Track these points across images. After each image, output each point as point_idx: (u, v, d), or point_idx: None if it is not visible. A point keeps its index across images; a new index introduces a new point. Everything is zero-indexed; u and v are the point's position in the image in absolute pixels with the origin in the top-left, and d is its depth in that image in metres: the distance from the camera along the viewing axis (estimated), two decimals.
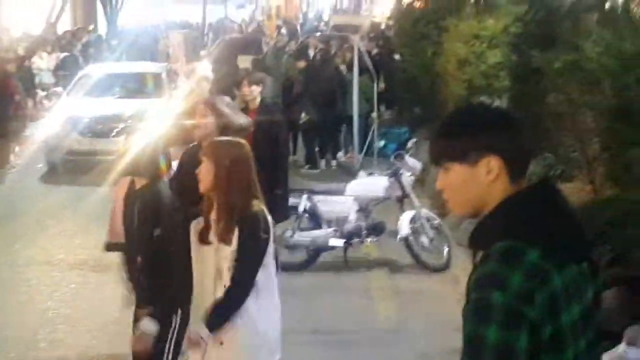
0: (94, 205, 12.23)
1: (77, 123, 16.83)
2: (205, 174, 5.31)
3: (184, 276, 5.57)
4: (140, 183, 6.03)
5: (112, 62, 23.84)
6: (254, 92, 9.73)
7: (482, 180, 2.69)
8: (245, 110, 10.08)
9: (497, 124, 2.71)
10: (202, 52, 32.40)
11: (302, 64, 18.62)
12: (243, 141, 5.59)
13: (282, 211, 9.25)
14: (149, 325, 5.69)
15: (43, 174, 16.88)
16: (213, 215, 5.32)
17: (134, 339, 5.83)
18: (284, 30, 38.85)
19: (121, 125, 15.97)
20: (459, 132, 2.74)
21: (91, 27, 37.01)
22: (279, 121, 9.62)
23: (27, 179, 16.59)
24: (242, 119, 7.26)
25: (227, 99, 7.70)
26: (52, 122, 17.36)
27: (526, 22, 10.50)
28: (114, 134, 16.02)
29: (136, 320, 5.89)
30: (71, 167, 16.40)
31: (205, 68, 10.65)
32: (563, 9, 10.32)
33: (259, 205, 5.31)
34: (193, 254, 5.45)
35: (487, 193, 2.70)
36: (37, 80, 22.49)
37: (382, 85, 19.82)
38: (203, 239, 5.36)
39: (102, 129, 16.54)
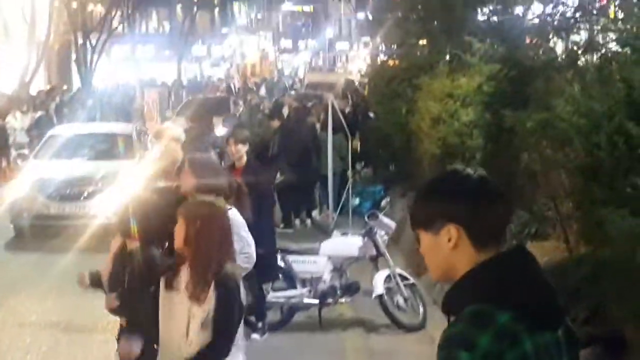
0: (65, 268, 12.10)
1: (45, 186, 16.36)
2: (178, 231, 5.36)
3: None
4: (131, 244, 6.19)
5: (82, 123, 23.46)
6: (241, 151, 9.75)
7: (444, 248, 2.75)
8: (231, 167, 10.09)
9: (459, 193, 2.75)
10: (168, 112, 32.56)
11: (276, 123, 18.58)
12: (218, 202, 5.62)
13: (269, 271, 9.21)
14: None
15: (9, 239, 16.38)
16: (185, 274, 5.33)
17: None
18: (262, 90, 38.95)
19: (91, 189, 16.22)
20: (424, 201, 2.82)
21: (65, 87, 37.02)
22: (265, 180, 9.62)
23: None
24: (222, 180, 7.22)
25: (212, 158, 7.68)
26: (20, 184, 16.85)
27: (499, 80, 10.56)
28: (83, 197, 16.09)
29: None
30: (39, 231, 16.02)
31: (175, 128, 10.53)
32: (535, 68, 10.38)
33: (233, 268, 5.32)
34: (161, 300, 5.46)
35: (453, 260, 2.75)
36: (10, 140, 22.42)
37: (356, 143, 19.85)
38: (170, 284, 5.40)
39: (71, 192, 16.22)
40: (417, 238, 2.86)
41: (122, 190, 13.94)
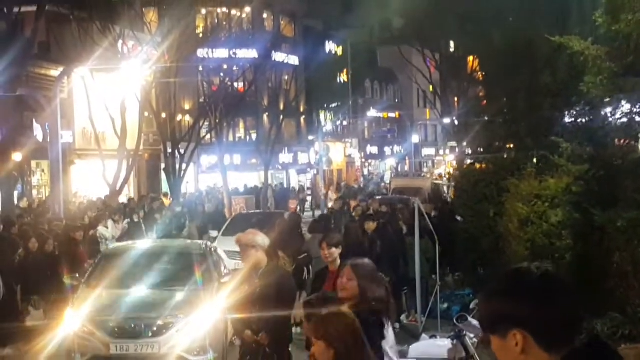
0: None
1: (102, 319, 13.54)
2: (319, 352, 5.17)
3: None
4: None
5: (147, 239, 21.50)
6: (334, 254, 9.77)
7: (513, 353, 2.66)
8: (324, 270, 10.10)
9: (518, 295, 2.67)
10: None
11: (372, 224, 18.53)
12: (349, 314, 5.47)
13: None
14: None
15: None
16: None
17: None
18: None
19: (160, 322, 13.47)
20: (487, 304, 2.77)
21: (153, 195, 37.70)
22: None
23: None
24: (381, 291, 7.21)
25: (370, 265, 7.62)
26: (71, 317, 13.83)
27: (587, 180, 10.46)
28: (151, 332, 13.34)
29: None
30: None
31: (259, 235, 10.55)
32: (624, 167, 10.27)
33: None
34: None
35: None
36: (102, 248, 22.72)
37: (439, 248, 19.73)
38: None
39: (135, 327, 13.41)
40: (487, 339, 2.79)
41: (199, 322, 13.46)
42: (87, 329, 13.37)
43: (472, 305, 12.18)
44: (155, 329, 13.34)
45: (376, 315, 7.09)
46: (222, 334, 13.85)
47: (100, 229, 22.63)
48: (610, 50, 9.66)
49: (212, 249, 16.78)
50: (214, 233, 26.18)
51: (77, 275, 15.45)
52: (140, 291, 14.62)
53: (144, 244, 18.04)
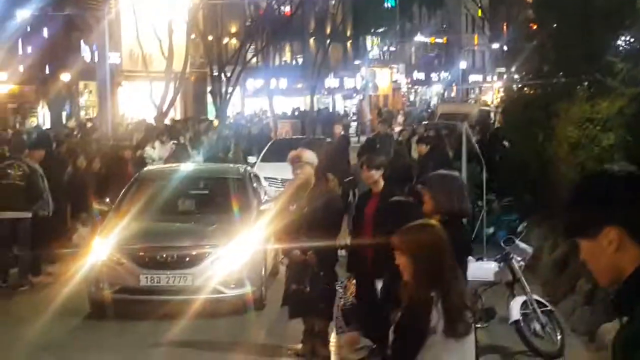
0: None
1: (132, 248, 12.64)
2: (404, 265, 5.12)
3: None
4: None
5: (189, 162, 19.62)
6: (375, 176, 9.71)
7: (606, 252, 2.66)
8: (368, 193, 10.07)
9: (610, 193, 2.67)
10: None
11: (424, 148, 18.49)
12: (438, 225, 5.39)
13: None
14: None
15: (84, 318, 12.70)
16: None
17: None
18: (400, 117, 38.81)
19: (194, 252, 12.54)
20: (576, 208, 2.76)
21: (202, 117, 37.78)
22: (406, 205, 9.47)
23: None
24: (463, 204, 7.10)
25: (447, 176, 7.43)
26: (100, 244, 12.89)
27: None
28: (183, 263, 12.43)
29: None
30: (124, 310, 12.54)
31: (309, 153, 10.60)
32: None
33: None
34: None
35: (617, 262, 2.66)
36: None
37: (485, 174, 19.58)
38: None
39: (167, 258, 12.48)
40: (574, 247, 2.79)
41: (235, 253, 12.55)
42: (116, 258, 12.49)
43: (519, 228, 12.11)
44: (188, 259, 12.42)
45: (461, 230, 6.99)
46: (260, 265, 13.00)
47: (147, 149, 22.71)
48: None
49: (252, 174, 15.64)
50: (252, 159, 25.28)
51: (108, 200, 14.59)
52: (173, 219, 13.90)
53: (180, 168, 16.40)
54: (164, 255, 12.45)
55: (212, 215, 13.76)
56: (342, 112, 58.59)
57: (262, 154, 25.76)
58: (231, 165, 19.07)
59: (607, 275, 2.72)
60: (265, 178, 19.36)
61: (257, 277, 12.82)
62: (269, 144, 27.30)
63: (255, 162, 24.13)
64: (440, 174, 7.41)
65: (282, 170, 16.83)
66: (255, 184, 15.03)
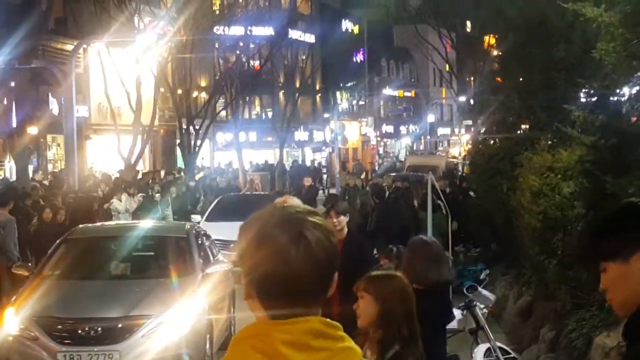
0: None
1: (46, 320, 10.96)
2: (365, 308, 5.19)
3: None
4: None
5: (119, 222, 18.50)
6: (342, 222, 9.75)
7: (636, 276, 2.76)
8: None
9: None
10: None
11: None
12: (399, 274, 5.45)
13: None
14: None
15: None
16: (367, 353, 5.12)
17: None
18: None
19: (120, 325, 10.84)
20: (610, 232, 2.85)
21: (171, 169, 37.81)
22: (367, 252, 9.57)
23: None
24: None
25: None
26: (12, 317, 11.14)
27: (599, 149, 10.44)
28: (107, 339, 10.69)
29: None
30: None
31: (295, 201, 10.56)
32: (636, 134, 10.23)
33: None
34: None
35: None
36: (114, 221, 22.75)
37: (455, 224, 19.72)
38: None
39: (89, 332, 10.71)
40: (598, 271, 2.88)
41: (173, 323, 10.89)
42: (30, 332, 10.68)
43: (482, 276, 12.16)
44: (115, 333, 10.65)
45: (439, 299, 6.95)
46: (203, 339, 11.32)
47: (114, 201, 22.69)
48: (623, 17, 9.61)
49: (200, 232, 14.11)
50: (196, 217, 23.34)
51: (29, 264, 13.21)
52: (103, 285, 12.02)
53: (116, 226, 15.27)
54: (86, 329, 10.62)
55: (149, 279, 12.13)
56: (314, 164, 58.77)
57: (207, 213, 23.66)
58: (175, 223, 17.98)
59: (631, 300, 2.79)
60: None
61: (199, 353, 11.15)
62: (215, 201, 25.20)
63: (200, 222, 21.65)
64: (420, 240, 7.46)
65: (232, 232, 15.65)
66: (202, 243, 13.50)
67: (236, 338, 2.41)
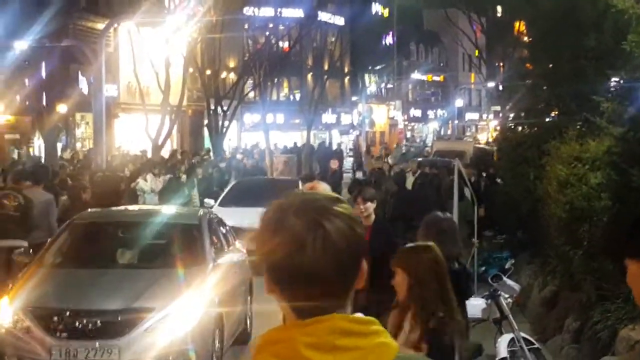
0: None
1: (43, 313, 10.23)
2: (400, 283, 5.29)
3: None
4: None
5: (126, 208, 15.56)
6: (369, 209, 9.78)
7: None
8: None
9: None
10: None
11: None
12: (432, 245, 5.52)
13: None
14: None
15: None
16: (406, 326, 5.22)
17: None
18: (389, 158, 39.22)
19: (122, 318, 10.14)
20: (636, 230, 2.94)
21: (199, 151, 37.93)
22: (394, 240, 9.60)
23: None
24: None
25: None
26: (5, 306, 10.57)
27: (628, 141, 10.40)
28: (107, 333, 9.99)
29: None
30: None
31: (325, 186, 10.52)
32: None
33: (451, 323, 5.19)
34: None
35: None
36: (140, 201, 22.79)
37: (481, 210, 19.68)
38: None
39: (87, 325, 9.93)
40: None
41: (178, 317, 10.16)
42: (24, 324, 10.00)
43: (507, 265, 12.15)
44: (115, 326, 9.95)
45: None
46: (211, 333, 10.64)
47: (140, 181, 22.76)
48: None
49: (215, 220, 13.21)
50: (209, 201, 22.29)
51: (31, 250, 12.07)
52: (106, 274, 11.20)
53: (125, 211, 14.15)
54: (84, 322, 9.91)
55: (155, 269, 11.18)
56: (339, 147, 58.71)
57: (221, 197, 22.40)
58: (189, 209, 16.80)
59: None
60: None
61: (206, 349, 10.45)
62: (230, 185, 24.10)
63: (213, 206, 20.84)
64: (435, 217, 7.54)
65: (244, 218, 15.30)
66: (219, 231, 12.85)
67: (259, 345, 2.37)
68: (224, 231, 13.18)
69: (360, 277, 2.38)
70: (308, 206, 2.36)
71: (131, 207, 14.24)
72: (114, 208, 13.93)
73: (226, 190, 22.92)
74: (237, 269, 12.52)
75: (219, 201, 21.94)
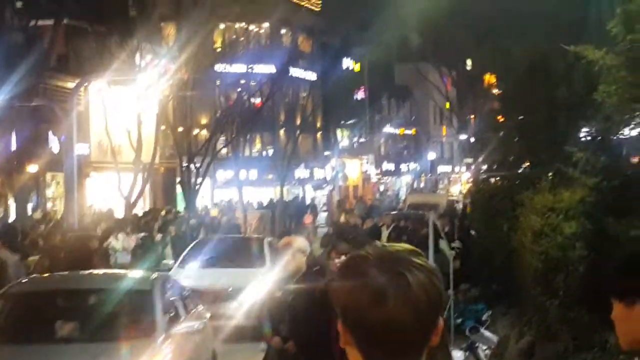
0: None
1: None
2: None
3: None
4: None
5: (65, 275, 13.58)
6: None
7: (636, 321, 2.87)
8: None
9: None
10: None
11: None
12: None
13: None
14: None
15: None
16: None
17: None
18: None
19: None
20: (621, 273, 2.96)
21: (168, 207, 37.80)
22: None
23: None
24: None
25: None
26: None
27: (601, 190, 10.42)
28: None
29: None
30: None
31: (302, 241, 10.42)
32: (636, 177, 10.22)
33: None
34: None
35: None
36: (112, 260, 22.54)
37: (457, 263, 19.62)
38: None
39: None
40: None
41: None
42: None
43: (484, 317, 12.10)
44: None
45: None
46: None
47: (111, 240, 22.60)
48: (625, 60, 9.61)
49: (167, 284, 12.19)
50: (168, 262, 21.25)
51: None
52: (40, 350, 9.98)
53: (66, 278, 12.47)
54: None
55: (97, 343, 9.98)
56: (313, 202, 58.69)
57: (181, 257, 20.92)
58: (141, 273, 14.92)
59: (633, 342, 2.90)
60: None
61: None
62: (192, 244, 22.30)
63: (173, 266, 20.00)
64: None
65: (206, 278, 15.88)
66: (174, 297, 11.78)
67: None
68: (180, 297, 12.07)
69: (437, 333, 2.33)
70: (388, 258, 2.31)
71: (76, 273, 12.59)
72: (56, 274, 12.85)
73: (187, 249, 21.44)
74: (197, 338, 11.52)
75: (178, 262, 20.54)
